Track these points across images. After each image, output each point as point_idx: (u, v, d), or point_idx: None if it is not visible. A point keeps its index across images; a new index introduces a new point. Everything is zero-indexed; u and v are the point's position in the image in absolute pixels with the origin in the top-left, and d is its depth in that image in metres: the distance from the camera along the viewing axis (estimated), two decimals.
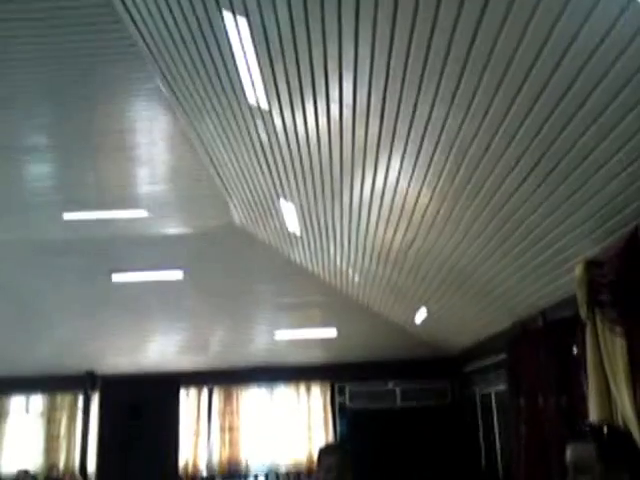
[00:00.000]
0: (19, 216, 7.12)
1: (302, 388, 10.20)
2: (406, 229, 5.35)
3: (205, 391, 10.24)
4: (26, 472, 9.01)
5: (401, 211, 5.02)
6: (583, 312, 3.98)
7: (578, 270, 3.98)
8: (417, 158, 4.09)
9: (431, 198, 4.56)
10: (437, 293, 6.82)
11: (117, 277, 7.88)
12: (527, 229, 4.25)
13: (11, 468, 9.72)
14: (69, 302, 8.51)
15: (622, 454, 1.80)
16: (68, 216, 6.90)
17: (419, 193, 4.57)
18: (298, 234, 6.90)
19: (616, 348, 3.67)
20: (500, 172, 3.72)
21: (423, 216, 4.93)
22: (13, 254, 7.77)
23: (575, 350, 4.60)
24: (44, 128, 5.63)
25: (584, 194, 3.46)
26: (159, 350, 9.76)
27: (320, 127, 4.24)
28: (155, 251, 7.82)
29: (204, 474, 9.93)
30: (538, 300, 5.28)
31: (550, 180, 3.50)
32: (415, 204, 4.78)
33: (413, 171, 4.30)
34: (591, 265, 3.90)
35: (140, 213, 7.02)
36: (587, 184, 3.36)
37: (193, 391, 10.08)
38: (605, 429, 1.89)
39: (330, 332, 9.21)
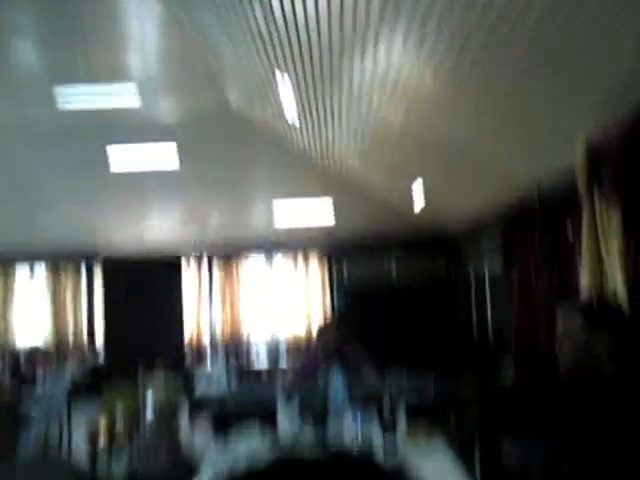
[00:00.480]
0: (9, 100, 6.96)
1: (301, 263, 10.45)
2: (407, 108, 5.24)
3: (205, 267, 10.52)
4: (38, 349, 9.43)
5: (405, 87, 4.90)
6: (582, 190, 3.99)
7: (580, 147, 3.94)
8: (423, 33, 3.94)
9: (436, 71, 4.43)
10: (436, 171, 6.81)
11: (116, 168, 7.86)
12: (532, 102, 4.16)
13: (22, 345, 10.16)
14: (68, 188, 8.53)
15: (606, 324, 1.92)
16: (61, 101, 6.73)
17: (424, 68, 4.44)
18: (297, 125, 6.78)
19: (612, 224, 3.71)
20: (503, 41, 3.58)
21: (424, 96, 4.82)
22: (6, 140, 7.69)
23: (570, 229, 4.66)
24: (32, 5, 5.37)
25: (595, 64, 3.35)
26: (159, 226, 9.89)
27: (319, 6, 4.03)
28: (150, 139, 7.73)
29: (208, 345, 10.41)
30: (536, 178, 5.28)
31: (559, 48, 3.37)
32: (417, 85, 4.66)
33: (418, 47, 4.15)
34: (592, 142, 3.86)
35: (132, 91, 6.84)
36: (599, 54, 3.24)
37: (194, 266, 10.34)
38: (595, 302, 2.02)
39: (329, 208, 9.30)
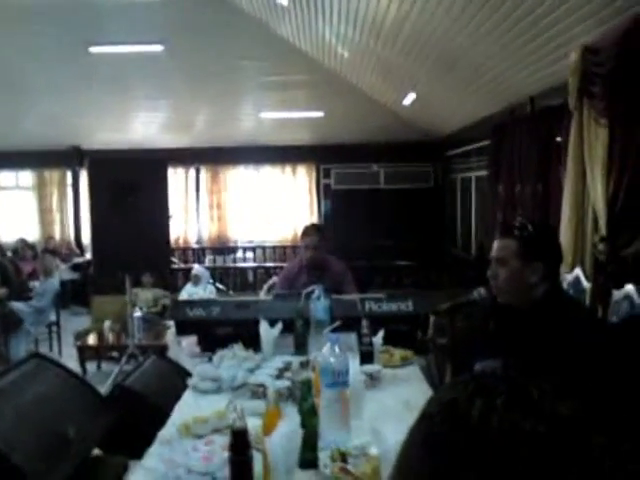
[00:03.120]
0: None
1: (288, 169, 10.41)
2: (401, 1, 5.02)
3: (192, 170, 10.47)
4: (23, 240, 9.48)
5: None
6: (572, 101, 3.94)
7: (573, 56, 3.85)
8: None
9: None
10: (427, 75, 6.64)
11: (95, 49, 7.48)
12: (527, 10, 4.01)
13: (9, 238, 10.20)
14: (49, 75, 8.21)
15: (540, 250, 1.94)
16: None
17: None
18: (285, 3, 6.47)
19: (598, 139, 3.70)
20: None
21: None
22: None
23: (558, 139, 4.63)
24: None
25: None
26: (144, 127, 9.70)
27: None
28: (133, 21, 7.32)
29: (195, 247, 10.56)
30: (528, 87, 5.18)
31: None
32: None
33: None
34: (587, 52, 3.76)
35: None
36: None
37: (180, 170, 10.29)
38: (530, 226, 1.99)
39: (317, 113, 9.10)
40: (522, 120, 5.41)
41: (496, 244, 2.04)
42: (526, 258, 1.94)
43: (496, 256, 2.01)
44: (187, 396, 2.46)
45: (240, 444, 1.62)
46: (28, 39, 7.50)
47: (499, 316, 2.10)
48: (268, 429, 1.76)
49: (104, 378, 5.00)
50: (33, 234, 10.36)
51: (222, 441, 1.82)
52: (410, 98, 7.70)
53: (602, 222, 3.57)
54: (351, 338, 2.62)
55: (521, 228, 2.00)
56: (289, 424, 1.77)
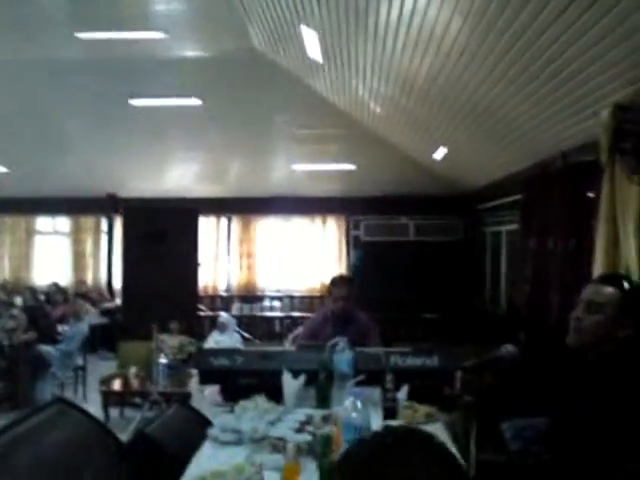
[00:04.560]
0: (31, 35, 6.84)
1: (318, 220, 10.47)
2: (432, 60, 5.10)
3: (224, 219, 10.61)
4: (56, 285, 9.64)
5: (429, 40, 4.74)
6: (603, 157, 3.91)
7: (605, 114, 3.84)
8: None
9: (461, 27, 4.27)
10: (458, 130, 6.68)
11: (135, 102, 7.75)
12: (558, 68, 4.03)
13: (43, 282, 10.40)
14: (88, 125, 8.51)
15: (637, 307, 1.89)
16: (82, 35, 6.57)
17: (449, 21, 4.28)
18: (320, 61, 6.63)
19: (631, 196, 3.64)
20: (536, 4, 3.44)
21: (451, 47, 4.66)
22: (30, 74, 7.60)
23: (590, 195, 4.58)
24: None
25: (622, 32, 3.22)
26: (179, 177, 9.91)
27: None
28: (173, 75, 7.58)
29: (223, 294, 10.60)
30: (560, 142, 5.17)
31: (589, 15, 3.24)
32: (444, 33, 4.50)
33: None
34: (619, 110, 3.75)
35: (157, 35, 6.69)
36: (627, 20, 3.11)
37: (213, 218, 10.43)
38: (625, 281, 1.97)
39: (348, 166, 9.20)
40: (554, 175, 5.38)
41: (593, 288, 2.00)
42: (624, 311, 1.90)
43: (590, 299, 1.97)
44: (206, 447, 2.42)
45: None
46: (70, 90, 7.81)
47: (573, 359, 2.04)
48: None
49: (126, 424, 4.98)
50: (66, 278, 10.55)
51: None
52: (441, 152, 7.74)
53: (637, 281, 3.48)
54: (375, 393, 2.57)
55: (624, 280, 1.97)
56: None
